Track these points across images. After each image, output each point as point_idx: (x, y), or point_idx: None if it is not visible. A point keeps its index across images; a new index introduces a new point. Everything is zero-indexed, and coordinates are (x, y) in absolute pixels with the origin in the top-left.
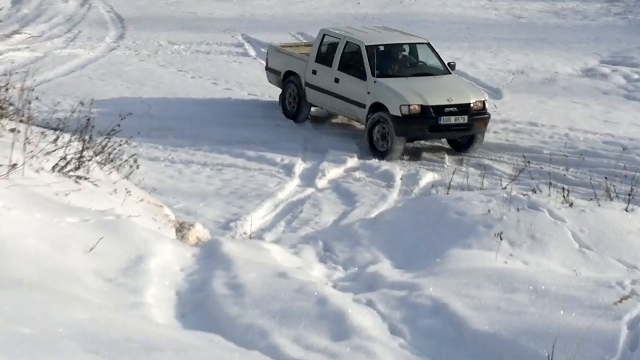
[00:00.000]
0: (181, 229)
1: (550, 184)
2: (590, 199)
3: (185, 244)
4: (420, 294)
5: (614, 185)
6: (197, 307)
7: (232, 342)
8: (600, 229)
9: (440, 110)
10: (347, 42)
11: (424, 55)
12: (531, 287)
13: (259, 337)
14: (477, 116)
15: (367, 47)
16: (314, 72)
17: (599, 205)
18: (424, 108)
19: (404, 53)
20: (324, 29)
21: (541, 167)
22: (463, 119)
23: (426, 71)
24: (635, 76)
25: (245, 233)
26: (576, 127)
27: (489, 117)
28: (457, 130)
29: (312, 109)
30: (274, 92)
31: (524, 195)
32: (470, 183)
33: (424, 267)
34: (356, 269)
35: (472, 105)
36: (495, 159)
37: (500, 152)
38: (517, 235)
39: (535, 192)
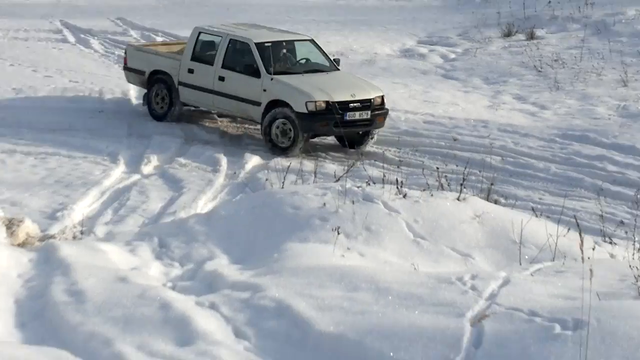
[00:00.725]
0: (10, 226)
1: (384, 176)
2: (424, 190)
3: (21, 248)
4: (264, 296)
5: (445, 176)
6: (37, 316)
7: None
8: (433, 218)
9: (345, 106)
10: (231, 39)
11: (310, 52)
12: (373, 285)
13: (102, 346)
14: (378, 111)
15: (257, 44)
16: (191, 71)
17: (432, 195)
18: (330, 104)
19: (291, 50)
20: (199, 27)
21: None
22: (366, 114)
23: (317, 68)
24: (452, 55)
25: (75, 227)
26: (397, 108)
27: (387, 112)
28: (360, 126)
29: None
30: (96, 80)
31: (358, 187)
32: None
33: (262, 263)
34: (192, 265)
35: (372, 100)
36: (321, 144)
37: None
38: (353, 228)
39: (369, 184)
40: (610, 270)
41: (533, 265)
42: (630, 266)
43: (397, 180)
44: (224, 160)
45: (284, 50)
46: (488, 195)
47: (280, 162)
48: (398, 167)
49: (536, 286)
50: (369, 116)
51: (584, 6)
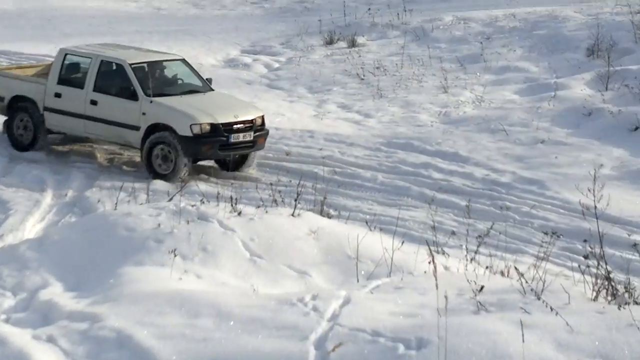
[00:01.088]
0: None
1: (218, 193)
2: (258, 206)
3: None
4: (103, 326)
5: (279, 191)
6: None
7: None
8: (269, 236)
9: (229, 127)
10: (102, 61)
11: (182, 72)
12: (214, 311)
13: None
14: (259, 132)
15: (131, 65)
16: (58, 95)
17: (267, 212)
18: (215, 126)
19: (164, 70)
20: (65, 48)
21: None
22: (250, 136)
23: (193, 88)
24: (276, 65)
25: None
26: None
27: (268, 133)
28: (244, 148)
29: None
30: None
31: (192, 206)
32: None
33: (98, 289)
34: (26, 294)
35: (254, 121)
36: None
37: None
38: (189, 249)
39: (203, 203)
40: (448, 285)
41: (371, 281)
42: (468, 280)
43: (231, 198)
44: (50, 179)
45: (158, 71)
46: (322, 210)
47: (110, 179)
48: (232, 184)
49: (377, 304)
50: (252, 137)
51: (402, 13)
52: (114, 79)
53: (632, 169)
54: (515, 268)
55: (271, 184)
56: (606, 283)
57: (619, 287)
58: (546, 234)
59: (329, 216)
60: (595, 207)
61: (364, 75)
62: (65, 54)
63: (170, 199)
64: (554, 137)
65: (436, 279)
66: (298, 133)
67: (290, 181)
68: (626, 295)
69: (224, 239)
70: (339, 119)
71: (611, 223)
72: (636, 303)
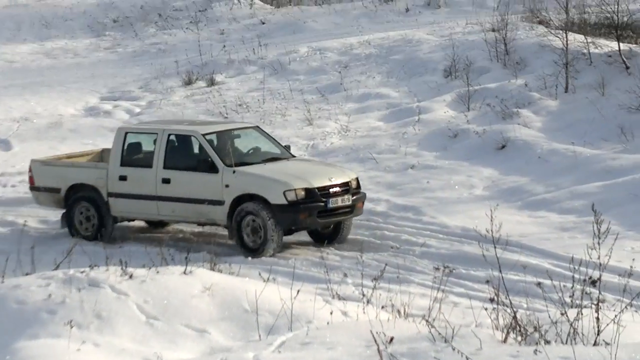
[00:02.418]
0: None
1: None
2: (149, 267)
3: None
4: None
5: (169, 250)
6: None
7: None
8: (163, 296)
9: (326, 192)
10: (169, 135)
11: (258, 140)
12: None
13: None
14: (357, 195)
15: (205, 136)
16: (123, 178)
17: (158, 272)
18: (310, 191)
19: (239, 139)
20: (124, 127)
21: None
22: (348, 200)
23: (273, 156)
24: (137, 109)
25: None
26: None
27: (365, 196)
28: (343, 213)
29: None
30: None
31: (82, 272)
32: None
33: None
34: None
35: (350, 183)
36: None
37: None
38: (84, 317)
39: (92, 268)
40: (354, 336)
41: (274, 337)
42: (374, 332)
43: (121, 261)
44: None
45: (233, 140)
46: (213, 265)
47: None
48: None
49: None
50: (350, 201)
51: (257, 48)
52: (186, 153)
53: (503, 187)
54: (426, 320)
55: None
56: (514, 322)
57: (527, 326)
58: (437, 268)
59: (220, 271)
60: (493, 236)
61: (227, 114)
62: (126, 133)
63: (56, 267)
64: (423, 161)
65: None
66: None
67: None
68: (536, 334)
69: (118, 304)
70: None
71: (501, 246)
72: (546, 342)
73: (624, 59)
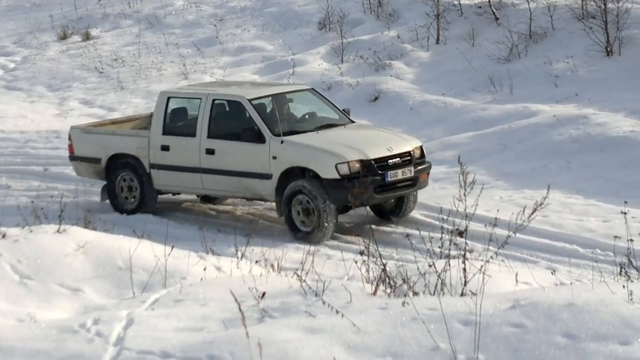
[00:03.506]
0: None
1: None
2: (22, 227)
3: None
4: None
5: (41, 209)
6: None
7: None
8: (37, 255)
9: (384, 164)
10: (214, 101)
11: (313, 104)
12: None
13: None
14: (421, 166)
15: (251, 101)
16: (165, 149)
17: (31, 231)
18: (366, 164)
19: (290, 104)
20: (166, 91)
21: None
22: (410, 172)
23: (329, 122)
24: (12, 65)
25: None
26: None
27: (430, 166)
28: (404, 187)
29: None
30: None
31: None
32: None
33: None
34: None
35: (412, 152)
36: None
37: None
38: None
39: None
40: (227, 292)
41: (148, 294)
42: (249, 288)
43: None
44: None
45: (285, 106)
46: (87, 223)
47: None
48: None
49: (161, 322)
50: (412, 174)
51: (133, 1)
52: (231, 120)
53: None
54: (297, 275)
55: (32, 202)
56: (383, 275)
57: (396, 278)
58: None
59: (95, 229)
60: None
61: (102, 69)
62: (168, 98)
63: None
64: None
65: None
66: (44, 134)
67: (46, 187)
68: (404, 286)
69: None
70: (83, 115)
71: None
72: (415, 294)
73: (494, 10)
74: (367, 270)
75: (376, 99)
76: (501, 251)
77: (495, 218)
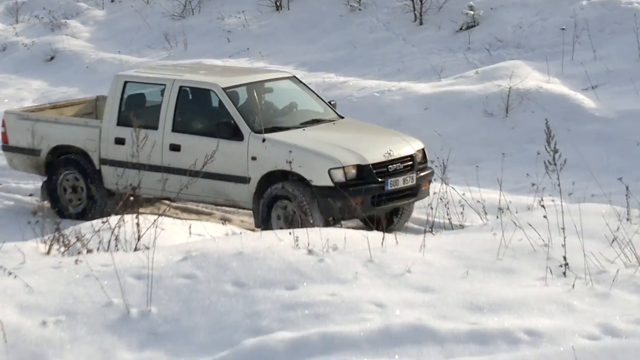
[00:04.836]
0: None
1: None
2: None
3: None
4: None
5: None
6: None
7: None
8: None
9: (383, 170)
10: (181, 88)
11: (296, 95)
12: None
13: None
14: (423, 173)
15: (226, 90)
16: (120, 142)
17: None
18: (364, 169)
19: (272, 95)
20: (123, 74)
21: None
22: (412, 179)
23: (315, 117)
24: None
25: None
26: None
27: (433, 173)
28: (404, 197)
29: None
30: None
31: None
32: None
33: None
34: None
35: (414, 156)
36: None
37: None
38: None
39: None
40: None
41: None
42: None
43: None
44: None
45: (264, 97)
46: None
47: None
48: None
49: None
50: (414, 181)
51: None
52: (202, 112)
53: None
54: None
55: None
56: (57, 234)
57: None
58: None
59: None
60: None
61: None
62: (125, 82)
63: None
64: None
65: None
66: None
67: None
68: (78, 244)
69: None
70: None
71: None
72: (89, 251)
73: None
74: (42, 231)
75: (52, 58)
76: (177, 205)
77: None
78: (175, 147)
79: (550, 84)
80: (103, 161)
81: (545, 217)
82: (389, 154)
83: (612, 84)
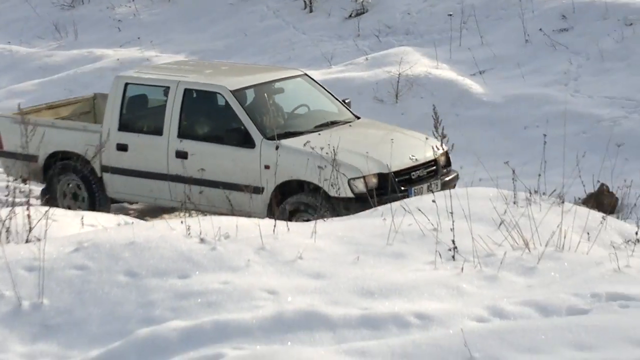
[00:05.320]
0: None
1: None
2: None
3: None
4: None
5: None
6: None
7: None
8: None
9: (407, 177)
10: (186, 90)
11: (308, 95)
12: None
13: None
14: (448, 178)
15: (234, 93)
16: (122, 148)
17: None
18: (386, 178)
19: (284, 95)
20: (123, 76)
21: None
22: (436, 186)
23: (331, 118)
24: None
25: None
26: None
27: (458, 177)
28: None
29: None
30: None
31: None
32: None
33: None
34: None
35: (437, 161)
36: None
37: None
38: None
39: None
40: None
41: None
42: None
43: None
44: None
45: (275, 98)
46: None
47: None
48: None
49: None
50: (439, 188)
51: None
52: (210, 116)
53: None
54: None
55: None
56: None
57: None
58: None
59: None
60: None
61: None
62: (126, 84)
63: None
64: None
65: None
66: None
67: None
68: None
69: None
70: None
71: None
72: None
73: None
74: None
75: None
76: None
77: None
78: (181, 155)
79: (439, 69)
80: (105, 168)
81: (434, 201)
82: (412, 159)
83: (499, 69)
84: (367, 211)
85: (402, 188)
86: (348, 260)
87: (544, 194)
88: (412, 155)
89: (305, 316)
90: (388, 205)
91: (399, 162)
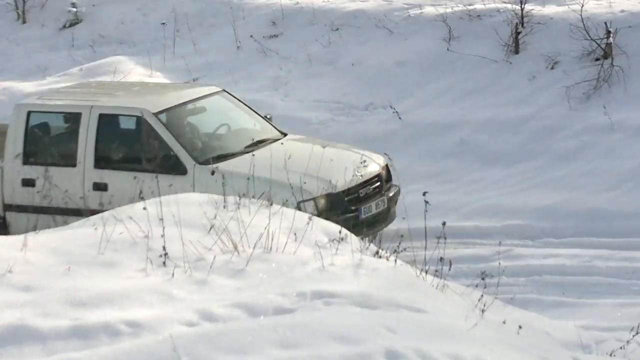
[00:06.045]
0: None
1: None
2: None
3: None
4: None
5: None
6: None
7: None
8: None
9: (354, 195)
10: (101, 115)
11: (227, 111)
12: None
13: None
14: (391, 193)
15: (157, 116)
16: (29, 183)
17: None
18: (335, 198)
19: (205, 114)
20: (25, 104)
21: None
22: (383, 203)
23: (259, 137)
24: None
25: None
26: None
27: (399, 191)
28: (377, 224)
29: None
30: None
31: None
32: None
33: None
34: None
35: (380, 176)
36: None
37: None
38: None
39: None
40: None
41: None
42: None
43: None
44: None
45: (199, 118)
46: None
47: None
48: None
49: None
50: (385, 205)
51: None
52: (131, 142)
53: None
54: None
55: None
56: None
57: None
58: None
59: None
60: None
61: None
62: (29, 113)
63: None
64: None
65: None
66: None
67: None
68: None
69: None
70: None
71: None
72: None
73: None
74: None
75: None
76: None
77: None
78: (100, 187)
79: (153, 77)
80: (8, 207)
81: (145, 208)
82: (358, 174)
83: (213, 75)
84: (80, 221)
85: (353, 208)
86: (59, 271)
87: (253, 197)
88: (358, 171)
89: (14, 330)
90: (100, 215)
91: (344, 179)
